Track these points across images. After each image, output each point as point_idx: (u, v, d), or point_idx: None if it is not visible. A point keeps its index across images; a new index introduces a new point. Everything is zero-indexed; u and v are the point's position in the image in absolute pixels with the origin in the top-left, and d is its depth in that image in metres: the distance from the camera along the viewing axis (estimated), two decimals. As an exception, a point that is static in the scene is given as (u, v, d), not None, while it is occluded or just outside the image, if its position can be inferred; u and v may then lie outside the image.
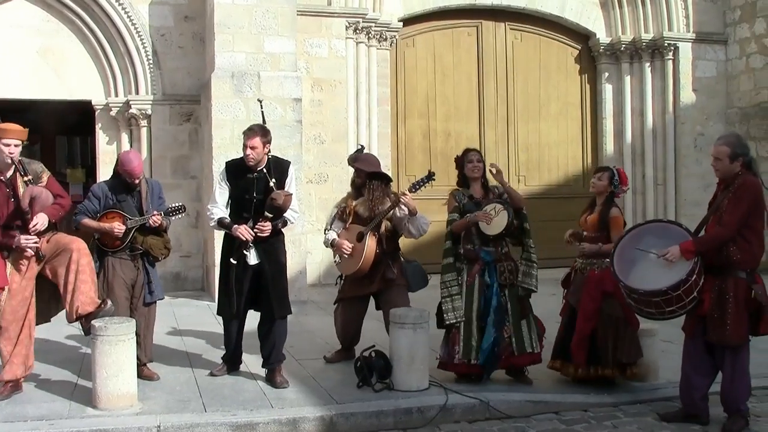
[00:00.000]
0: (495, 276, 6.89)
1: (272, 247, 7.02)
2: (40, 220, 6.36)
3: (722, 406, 6.10)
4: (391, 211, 7.42)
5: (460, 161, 7.25)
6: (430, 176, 7.42)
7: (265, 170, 6.97)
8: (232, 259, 6.92)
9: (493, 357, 6.82)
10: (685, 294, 5.81)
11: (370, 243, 7.37)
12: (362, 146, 8.51)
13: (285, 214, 6.95)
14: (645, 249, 6.09)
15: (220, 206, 7.05)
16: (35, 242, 6.38)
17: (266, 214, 6.80)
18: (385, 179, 7.75)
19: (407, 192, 7.39)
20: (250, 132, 6.94)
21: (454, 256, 7.05)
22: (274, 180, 6.92)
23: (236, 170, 7.07)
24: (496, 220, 6.84)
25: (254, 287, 6.99)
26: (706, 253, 5.87)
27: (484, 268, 6.90)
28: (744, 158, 6.01)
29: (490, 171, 7.12)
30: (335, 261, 7.84)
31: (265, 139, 6.94)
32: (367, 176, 7.59)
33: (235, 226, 6.85)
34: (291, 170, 7.15)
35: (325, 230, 7.86)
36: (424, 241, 13.22)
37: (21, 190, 6.44)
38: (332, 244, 7.62)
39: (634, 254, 6.17)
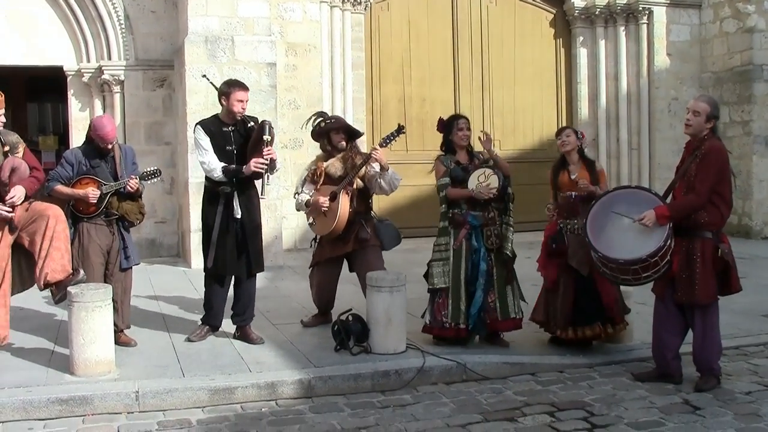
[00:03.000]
0: (482, 240, 6.90)
1: (252, 204, 7.04)
2: (17, 193, 6.26)
3: (695, 366, 6.20)
4: (364, 168, 7.39)
5: (447, 127, 7.18)
6: (399, 129, 7.44)
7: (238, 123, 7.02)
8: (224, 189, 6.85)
9: (480, 322, 6.86)
10: (660, 259, 5.90)
11: (344, 201, 7.31)
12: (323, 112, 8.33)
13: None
14: (620, 213, 6.12)
15: (213, 154, 6.94)
16: (10, 212, 6.31)
17: (264, 138, 6.75)
18: (357, 136, 7.77)
19: (378, 147, 7.37)
20: (242, 85, 6.98)
21: (448, 220, 7.00)
22: (252, 123, 6.93)
23: (212, 126, 7.05)
24: (488, 185, 6.84)
25: (235, 244, 7.00)
26: (678, 218, 5.95)
27: (471, 232, 6.90)
28: (715, 122, 6.14)
29: (479, 138, 7.13)
30: (309, 223, 7.80)
31: None
32: (347, 134, 7.59)
33: (246, 166, 6.79)
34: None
35: (295, 194, 7.80)
36: (400, 205, 13.32)
37: (0, 160, 6.36)
38: (306, 204, 7.56)
39: (604, 221, 6.21)
